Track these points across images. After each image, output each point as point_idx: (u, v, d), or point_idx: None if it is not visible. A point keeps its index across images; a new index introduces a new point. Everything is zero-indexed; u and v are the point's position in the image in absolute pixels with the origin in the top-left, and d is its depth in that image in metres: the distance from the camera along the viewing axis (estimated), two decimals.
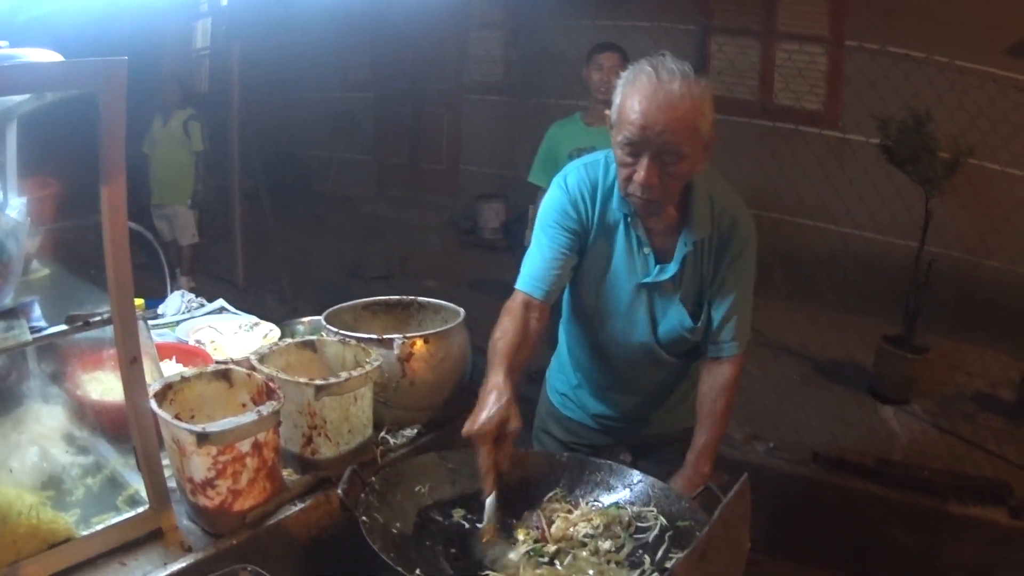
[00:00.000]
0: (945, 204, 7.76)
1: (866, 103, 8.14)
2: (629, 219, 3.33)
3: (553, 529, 2.81)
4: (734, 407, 3.49)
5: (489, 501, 2.83)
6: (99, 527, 2.39)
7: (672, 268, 3.33)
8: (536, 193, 6.87)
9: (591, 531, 2.80)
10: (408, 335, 3.21)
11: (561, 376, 4.00)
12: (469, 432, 2.88)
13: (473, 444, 2.89)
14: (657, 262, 3.37)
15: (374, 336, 3.18)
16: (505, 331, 3.24)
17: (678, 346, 3.53)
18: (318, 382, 2.74)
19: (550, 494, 3.01)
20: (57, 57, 2.24)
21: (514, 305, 3.35)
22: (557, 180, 3.49)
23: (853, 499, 6.37)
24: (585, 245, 3.44)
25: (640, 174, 3.03)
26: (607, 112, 3.17)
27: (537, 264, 3.40)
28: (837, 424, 7.29)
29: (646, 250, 3.36)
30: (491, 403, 2.94)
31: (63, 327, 2.27)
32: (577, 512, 2.89)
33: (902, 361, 7.93)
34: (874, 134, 7.91)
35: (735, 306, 3.40)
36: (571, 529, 2.81)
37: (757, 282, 3.50)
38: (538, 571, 2.62)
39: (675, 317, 3.43)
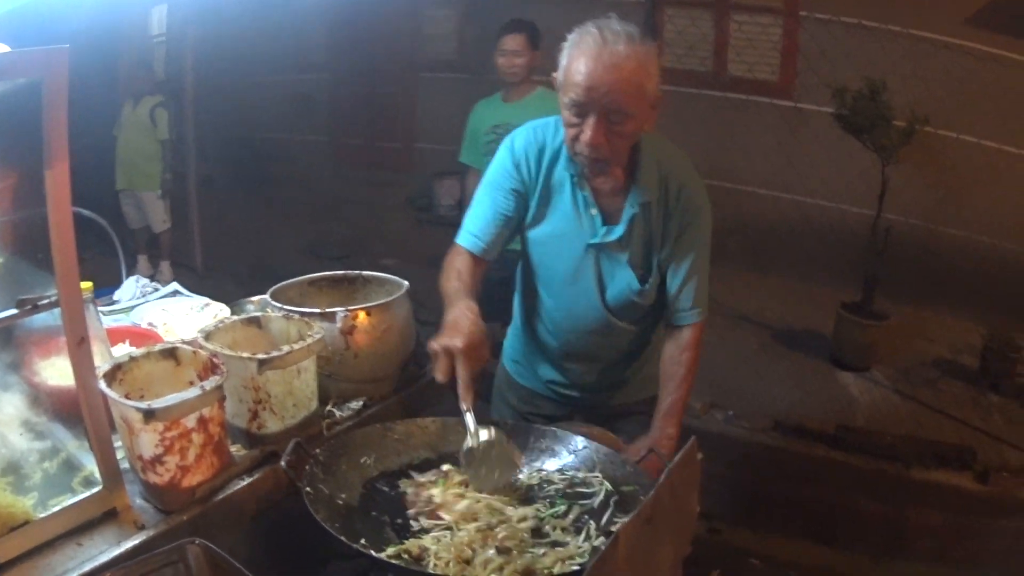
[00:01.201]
0: (901, 172, 7.79)
1: (819, 73, 8.14)
2: (576, 180, 3.38)
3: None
4: (696, 371, 3.54)
5: (468, 419, 2.88)
6: (55, 509, 2.40)
7: (619, 229, 3.37)
8: (467, 173, 7.06)
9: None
10: (350, 308, 3.22)
11: (515, 343, 4.05)
12: (448, 345, 2.90)
13: (446, 358, 2.91)
14: (604, 223, 3.40)
15: (317, 310, 3.20)
16: (457, 272, 3.36)
17: (628, 310, 3.56)
18: (260, 356, 2.75)
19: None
20: (3, 48, 2.26)
21: (456, 257, 3.45)
22: (505, 142, 3.56)
23: (815, 466, 6.41)
24: (528, 206, 3.50)
25: (587, 134, 3.07)
26: (554, 76, 3.19)
27: (478, 221, 3.50)
28: (797, 392, 7.33)
29: (593, 211, 3.40)
30: (466, 321, 3.00)
31: (13, 311, 2.29)
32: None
33: (861, 328, 7.98)
34: (828, 103, 7.93)
35: (692, 273, 3.45)
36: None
37: (713, 251, 3.54)
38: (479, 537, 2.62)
39: (623, 280, 3.47)
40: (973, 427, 6.94)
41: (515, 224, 3.53)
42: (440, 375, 2.91)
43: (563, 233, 3.49)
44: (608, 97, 2.99)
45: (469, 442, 2.85)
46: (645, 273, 3.48)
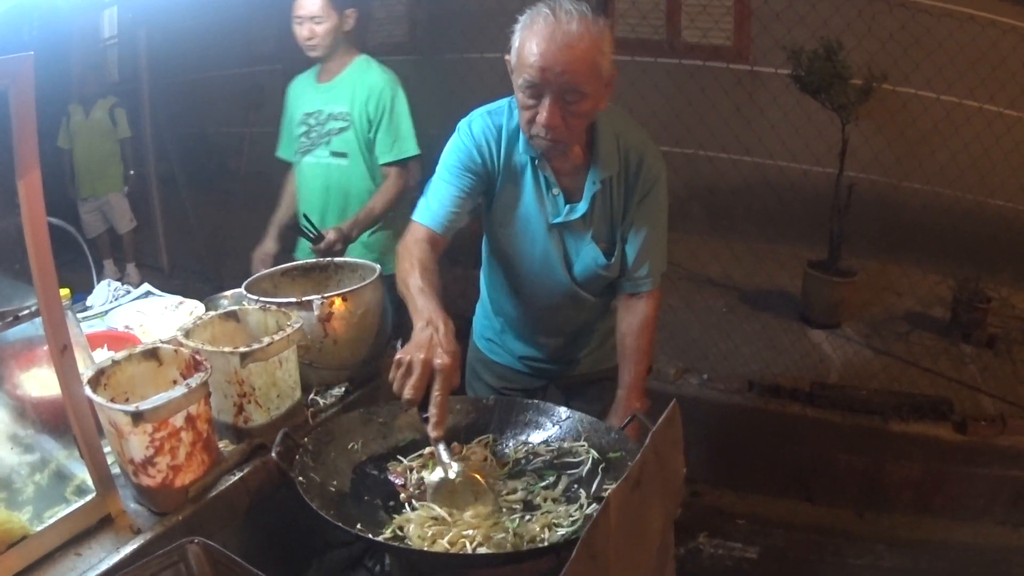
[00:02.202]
0: (861, 130, 7.83)
1: (773, 35, 8.17)
2: (536, 161, 3.38)
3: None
4: (654, 340, 3.57)
5: (443, 448, 2.76)
6: (51, 521, 2.40)
7: (582, 207, 3.40)
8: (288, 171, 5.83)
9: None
10: (326, 295, 3.22)
11: (485, 322, 4.08)
12: (429, 360, 2.74)
13: (422, 373, 2.72)
14: (567, 202, 3.43)
15: (293, 299, 3.20)
16: (423, 264, 3.23)
17: (595, 284, 3.61)
18: (242, 350, 2.75)
19: (480, 438, 3.07)
20: None
21: (416, 238, 3.37)
22: (461, 127, 3.51)
23: (792, 425, 6.45)
24: (492, 190, 3.51)
25: (543, 115, 3.05)
26: (507, 58, 3.16)
27: (437, 201, 3.44)
28: (768, 352, 7.37)
29: (555, 191, 3.42)
30: (446, 336, 2.85)
31: None
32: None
33: (829, 285, 8.02)
34: (784, 65, 7.95)
35: (648, 242, 3.47)
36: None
37: (675, 216, 3.57)
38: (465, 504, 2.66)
39: (589, 255, 3.49)
40: (947, 378, 6.99)
41: (474, 206, 3.53)
42: (411, 391, 2.71)
43: (527, 214, 3.52)
44: (563, 77, 2.97)
45: (440, 474, 2.73)
46: (610, 247, 3.51)
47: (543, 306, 3.75)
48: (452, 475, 2.72)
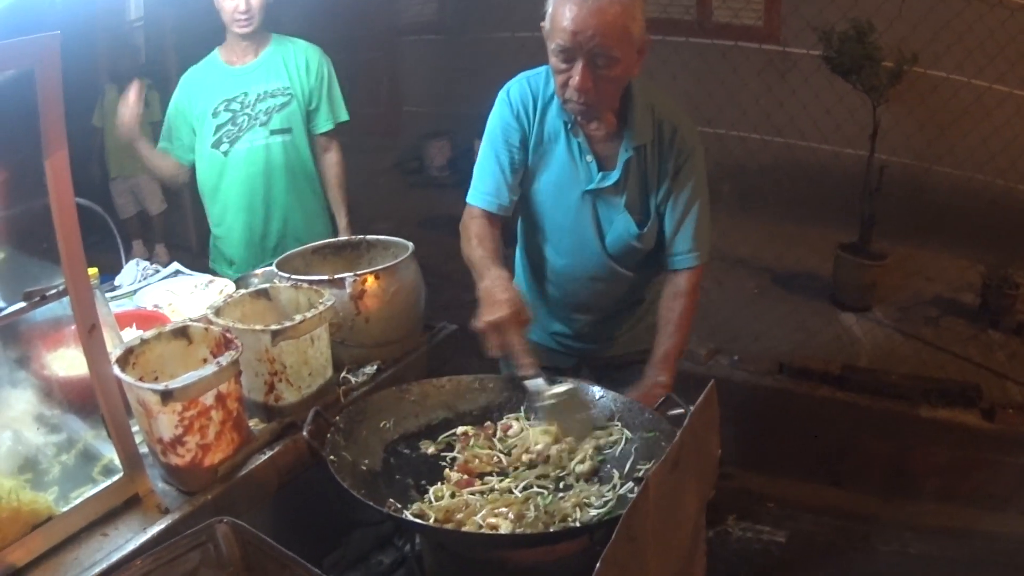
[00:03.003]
0: (891, 112, 7.78)
1: (804, 15, 8.12)
2: (569, 127, 3.42)
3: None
4: (692, 317, 3.55)
5: (539, 382, 2.99)
6: (77, 501, 2.40)
7: (615, 174, 3.41)
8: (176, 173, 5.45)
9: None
10: (359, 272, 3.22)
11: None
12: (494, 320, 3.03)
13: (495, 333, 3.03)
14: (600, 169, 3.44)
15: (325, 277, 3.20)
16: (479, 236, 3.45)
17: (627, 256, 3.60)
18: (273, 328, 2.75)
19: (510, 415, 3.08)
20: None
21: (471, 216, 3.56)
22: (501, 94, 3.58)
23: (821, 407, 6.42)
24: (527, 156, 3.54)
25: (575, 79, 3.10)
26: (543, 25, 3.19)
27: (488, 179, 3.56)
28: (799, 333, 7.33)
29: (588, 157, 3.44)
30: (502, 291, 3.12)
31: (21, 304, 2.28)
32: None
33: (861, 268, 7.97)
34: (815, 46, 7.90)
35: (687, 216, 3.47)
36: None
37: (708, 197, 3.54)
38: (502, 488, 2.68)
39: (621, 224, 3.50)
40: (976, 364, 6.94)
41: (521, 178, 3.58)
42: (496, 351, 3.05)
43: (560, 181, 3.54)
44: (594, 41, 3.01)
45: (547, 400, 2.96)
46: (643, 217, 3.51)
47: (575, 278, 3.75)
48: (556, 399, 2.95)
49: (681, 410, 2.84)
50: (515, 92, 3.54)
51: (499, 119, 3.56)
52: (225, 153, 5.14)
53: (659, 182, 3.45)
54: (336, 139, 5.49)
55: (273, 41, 5.24)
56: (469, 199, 3.59)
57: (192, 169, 5.34)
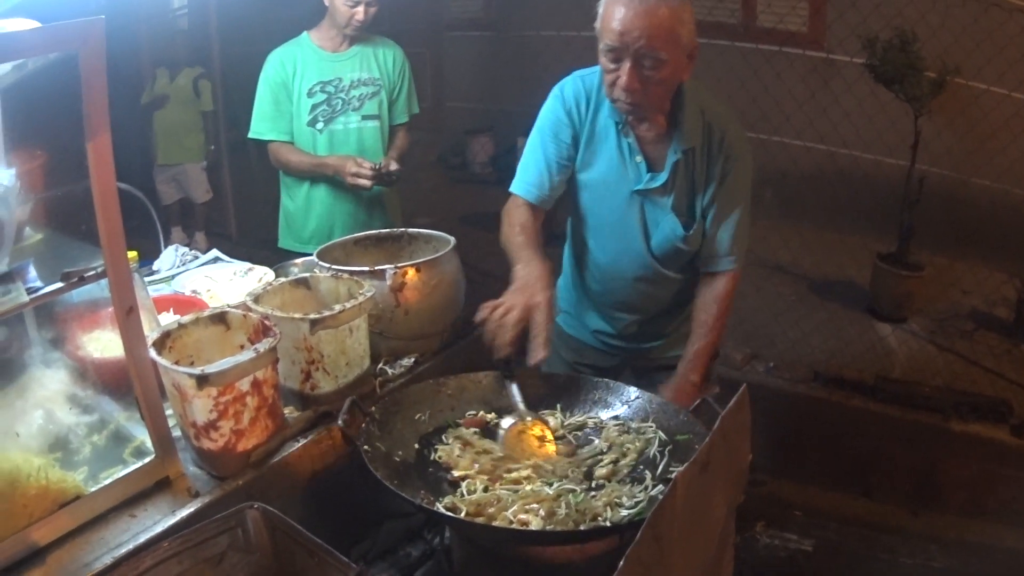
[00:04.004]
0: (933, 122, 7.75)
1: (848, 23, 8.11)
2: (620, 127, 3.46)
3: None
4: (725, 320, 3.59)
5: (515, 392, 3.06)
6: (107, 481, 2.41)
7: (663, 176, 3.44)
8: (259, 149, 5.70)
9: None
10: (399, 264, 3.23)
11: (565, 294, 4.10)
12: (530, 303, 3.10)
13: (515, 315, 3.06)
14: (649, 169, 3.47)
15: (366, 268, 3.20)
16: (521, 223, 3.52)
17: (672, 257, 3.63)
18: (312, 316, 2.76)
19: (546, 411, 3.08)
20: (34, 24, 2.25)
21: (515, 204, 3.62)
22: (555, 90, 3.63)
23: (853, 417, 6.39)
24: (577, 153, 3.58)
25: (622, 79, 3.15)
26: (595, 26, 3.21)
27: (533, 170, 3.62)
28: (834, 342, 7.31)
29: (638, 158, 3.47)
30: (537, 280, 3.20)
31: (59, 284, 2.28)
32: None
33: (898, 279, 7.94)
34: (858, 54, 7.89)
35: (729, 220, 3.50)
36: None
37: (750, 202, 3.57)
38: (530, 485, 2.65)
39: (667, 226, 3.52)
40: (1008, 380, 6.89)
41: (569, 172, 3.62)
42: (502, 344, 3.06)
43: (609, 180, 3.58)
44: (640, 42, 3.06)
45: (512, 420, 2.99)
46: (689, 220, 3.53)
47: (619, 277, 3.78)
48: (525, 418, 2.94)
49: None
50: (569, 89, 3.58)
51: (551, 114, 3.61)
52: (320, 131, 5.34)
53: (706, 185, 3.47)
54: (407, 129, 5.74)
55: (364, 35, 5.48)
56: (512, 188, 3.65)
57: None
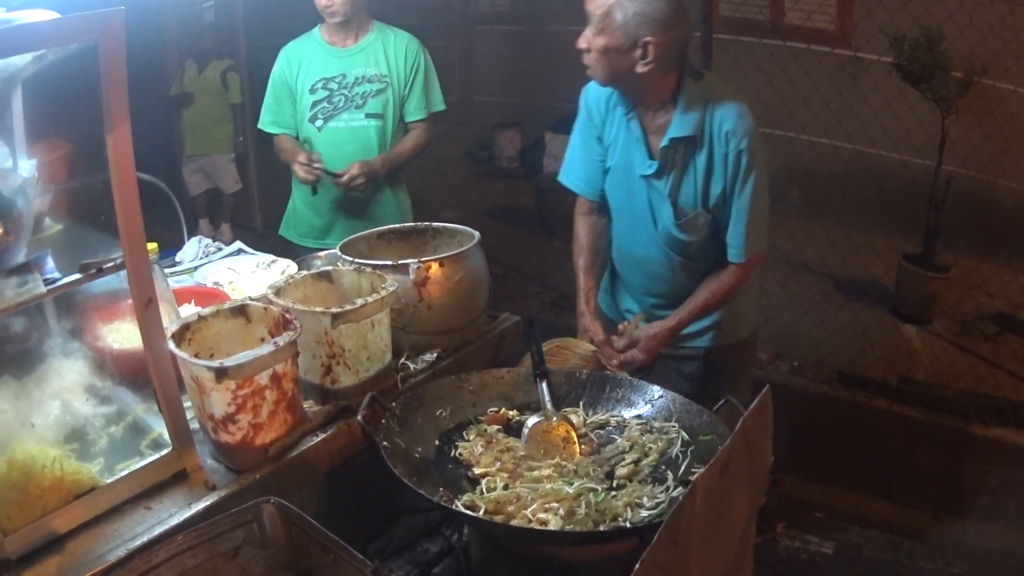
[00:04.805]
0: (960, 123, 7.71)
1: (876, 21, 8.07)
2: (628, 117, 3.71)
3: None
4: (715, 303, 3.84)
5: (544, 392, 3.07)
6: (123, 473, 2.42)
7: (655, 163, 3.62)
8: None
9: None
10: (423, 259, 3.23)
11: (606, 276, 4.26)
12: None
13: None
14: (650, 157, 3.69)
15: (389, 262, 3.20)
16: (576, 238, 4.03)
17: (679, 245, 3.78)
18: (334, 310, 2.75)
19: (569, 408, 3.07)
20: (54, 15, 2.24)
21: (579, 214, 4.07)
22: (583, 94, 3.90)
23: (876, 418, 6.37)
24: (604, 147, 3.87)
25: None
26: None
27: (579, 166, 3.99)
28: (858, 342, 7.28)
29: (643, 146, 3.70)
30: (581, 316, 3.88)
31: (77, 276, 2.28)
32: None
33: (923, 280, 7.90)
34: (886, 52, 7.86)
35: (738, 213, 3.61)
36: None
37: (774, 199, 3.68)
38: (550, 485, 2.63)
39: (665, 212, 3.68)
40: None
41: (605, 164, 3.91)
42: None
43: (621, 166, 3.81)
44: (588, 4, 3.46)
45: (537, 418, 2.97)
46: (683, 207, 3.66)
47: (637, 260, 4.00)
48: (551, 418, 2.91)
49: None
50: (591, 92, 3.85)
51: (580, 116, 3.94)
52: (319, 129, 5.26)
53: (708, 176, 3.59)
54: (426, 126, 5.55)
55: (375, 28, 5.39)
56: (564, 179, 4.05)
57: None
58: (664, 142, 3.57)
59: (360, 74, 5.26)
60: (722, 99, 3.55)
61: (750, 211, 3.57)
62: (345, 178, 5.05)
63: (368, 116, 5.28)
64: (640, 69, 3.42)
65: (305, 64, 5.32)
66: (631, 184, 3.77)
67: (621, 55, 3.41)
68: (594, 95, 3.82)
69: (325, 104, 5.28)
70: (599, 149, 3.86)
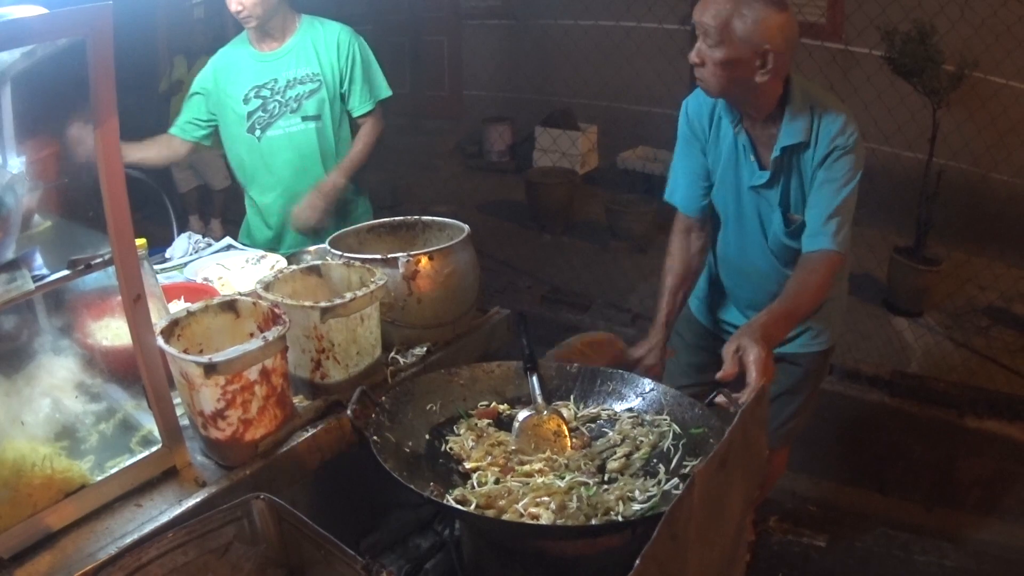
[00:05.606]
0: (951, 116, 7.73)
1: (867, 14, 8.07)
2: (736, 128, 3.67)
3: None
4: (808, 298, 3.52)
5: (534, 385, 3.06)
6: (113, 470, 2.42)
7: (767, 173, 3.64)
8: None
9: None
10: (413, 253, 3.21)
11: (702, 282, 4.27)
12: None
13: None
14: (760, 167, 3.67)
15: (378, 256, 3.19)
16: (669, 265, 4.01)
17: (787, 254, 3.76)
18: (323, 304, 2.75)
19: (560, 403, 3.06)
20: (41, 10, 2.23)
21: (676, 230, 4.06)
22: (683, 108, 3.93)
23: (869, 411, 6.37)
24: (708, 159, 3.88)
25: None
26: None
27: (682, 182, 3.98)
28: (851, 335, 7.26)
29: (751, 156, 3.67)
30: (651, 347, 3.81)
31: (65, 272, 2.28)
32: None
33: (915, 273, 7.91)
34: (877, 46, 7.86)
35: (824, 202, 3.54)
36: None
37: None
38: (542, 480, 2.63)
39: (776, 221, 3.69)
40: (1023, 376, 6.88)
41: (709, 177, 3.92)
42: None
43: (729, 178, 3.80)
44: (702, 17, 3.33)
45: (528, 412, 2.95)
46: (794, 214, 3.67)
47: (747, 271, 4.00)
48: (542, 411, 2.90)
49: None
50: (692, 105, 3.87)
51: (682, 129, 3.93)
52: (259, 139, 5.06)
53: (815, 179, 3.57)
54: (376, 117, 5.33)
55: (303, 24, 5.11)
56: (669, 198, 4.05)
57: (196, 145, 5.25)
58: (776, 152, 3.57)
59: (291, 76, 5.02)
60: (823, 100, 3.57)
61: (838, 201, 3.53)
62: (314, 222, 4.95)
63: (305, 119, 5.06)
64: (759, 78, 3.40)
65: (234, 74, 5.08)
66: (739, 196, 3.79)
67: (741, 66, 3.38)
68: (695, 108, 3.84)
69: (260, 113, 5.05)
70: (702, 161, 3.87)
